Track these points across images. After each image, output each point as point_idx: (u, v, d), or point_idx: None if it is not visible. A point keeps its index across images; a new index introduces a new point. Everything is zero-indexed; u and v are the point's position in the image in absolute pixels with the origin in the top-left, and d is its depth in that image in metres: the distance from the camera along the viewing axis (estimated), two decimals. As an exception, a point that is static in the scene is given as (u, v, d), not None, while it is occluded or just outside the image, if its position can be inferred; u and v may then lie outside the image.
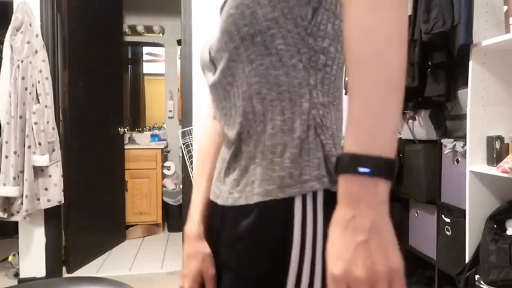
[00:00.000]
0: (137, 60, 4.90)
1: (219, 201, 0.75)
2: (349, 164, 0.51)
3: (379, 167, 0.50)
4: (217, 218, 0.77)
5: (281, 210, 0.63)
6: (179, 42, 4.15)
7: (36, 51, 2.71)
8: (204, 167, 0.86)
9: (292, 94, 0.65)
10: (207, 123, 0.91)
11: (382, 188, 0.50)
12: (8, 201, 2.67)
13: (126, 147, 4.08)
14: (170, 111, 4.84)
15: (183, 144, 2.95)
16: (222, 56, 0.70)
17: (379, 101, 0.51)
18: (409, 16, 2.14)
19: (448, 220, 2.13)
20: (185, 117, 3.07)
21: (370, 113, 0.51)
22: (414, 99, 2.36)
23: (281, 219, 0.63)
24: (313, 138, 0.64)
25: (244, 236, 0.66)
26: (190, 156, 2.94)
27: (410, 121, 2.65)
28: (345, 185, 0.52)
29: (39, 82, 2.71)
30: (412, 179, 2.44)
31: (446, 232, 2.13)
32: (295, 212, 0.62)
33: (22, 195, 2.66)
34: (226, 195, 0.72)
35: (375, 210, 0.50)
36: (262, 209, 0.65)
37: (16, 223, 2.87)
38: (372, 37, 0.51)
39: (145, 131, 4.79)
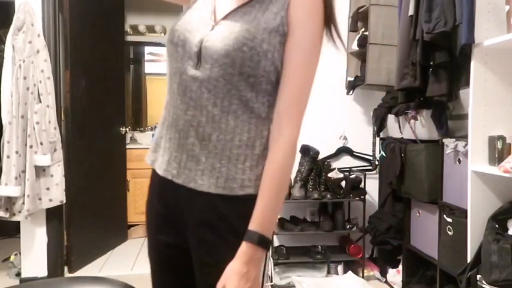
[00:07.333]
0: (139, 60, 4.90)
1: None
2: (254, 237, 0.86)
3: (267, 243, 0.88)
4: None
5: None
6: (180, 42, 4.14)
7: (38, 51, 2.72)
8: None
9: (258, 121, 0.91)
10: None
11: (263, 253, 0.88)
12: (10, 201, 2.67)
13: (127, 146, 4.08)
14: (172, 110, 4.83)
15: (185, 144, 2.96)
16: (215, 67, 0.88)
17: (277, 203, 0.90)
18: (411, 16, 2.14)
19: (449, 220, 2.12)
20: (187, 117, 3.06)
21: (271, 211, 0.89)
22: (416, 99, 2.36)
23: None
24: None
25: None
26: (192, 156, 2.94)
27: (412, 121, 2.64)
28: (247, 248, 0.86)
29: (40, 82, 2.71)
30: (413, 179, 2.44)
31: (448, 232, 2.13)
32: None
33: (24, 195, 2.66)
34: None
35: (258, 267, 0.88)
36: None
37: (18, 223, 2.88)
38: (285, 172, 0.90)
39: (147, 130, 4.79)
